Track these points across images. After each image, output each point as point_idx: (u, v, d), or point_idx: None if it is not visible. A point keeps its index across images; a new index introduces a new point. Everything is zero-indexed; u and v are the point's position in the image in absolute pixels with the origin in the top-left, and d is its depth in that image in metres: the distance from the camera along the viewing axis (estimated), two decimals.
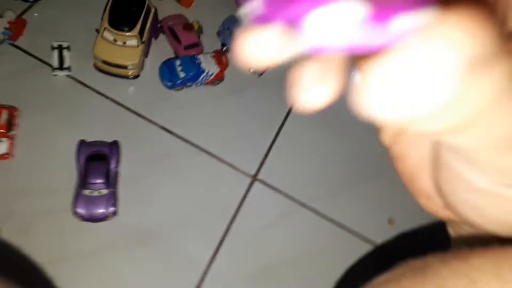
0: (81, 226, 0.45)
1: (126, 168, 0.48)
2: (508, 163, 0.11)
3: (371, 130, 0.58)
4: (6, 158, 0.45)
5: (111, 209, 0.45)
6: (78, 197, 0.44)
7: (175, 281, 0.45)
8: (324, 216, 0.53)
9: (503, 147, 0.10)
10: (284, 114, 0.58)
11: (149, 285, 0.44)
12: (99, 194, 0.45)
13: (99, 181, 0.45)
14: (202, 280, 0.46)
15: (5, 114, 0.45)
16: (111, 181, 0.46)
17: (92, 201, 0.44)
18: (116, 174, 0.47)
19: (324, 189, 0.55)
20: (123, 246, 0.45)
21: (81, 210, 0.44)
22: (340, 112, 0.61)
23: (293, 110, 0.58)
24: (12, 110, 0.47)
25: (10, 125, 0.46)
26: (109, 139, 0.49)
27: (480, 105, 0.09)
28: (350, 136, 0.59)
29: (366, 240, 0.53)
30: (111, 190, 0.45)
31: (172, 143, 0.51)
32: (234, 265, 0.47)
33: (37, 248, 0.43)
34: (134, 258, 0.45)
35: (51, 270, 0.43)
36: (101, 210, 0.44)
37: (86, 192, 0.44)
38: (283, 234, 0.51)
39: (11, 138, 0.46)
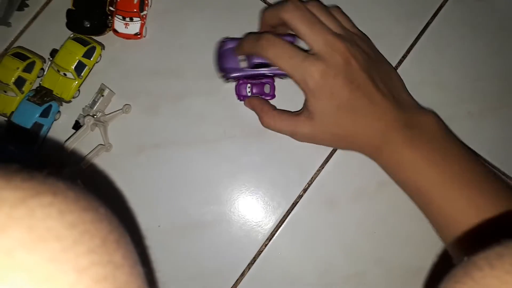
0: (200, 116, 0.46)
1: None
2: None
3: None
4: (138, 38, 0.47)
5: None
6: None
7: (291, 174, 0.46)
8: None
9: None
10: (433, 11, 0.49)
11: (260, 174, 0.46)
12: None
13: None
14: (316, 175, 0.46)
15: None
16: None
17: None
18: None
19: (464, 108, 0.47)
20: (241, 138, 0.46)
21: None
22: (506, 19, 0.49)
23: (445, 6, 0.48)
24: None
25: (142, 5, 0.46)
26: (235, 27, 0.47)
27: None
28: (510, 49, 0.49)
29: (504, 174, 0.47)
30: None
31: None
32: (344, 179, 0.46)
33: (162, 128, 0.46)
34: (248, 148, 0.46)
35: (171, 150, 0.46)
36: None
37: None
38: None
39: (142, 18, 0.46)
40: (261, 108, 0.43)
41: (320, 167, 0.46)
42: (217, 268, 0.45)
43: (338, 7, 0.44)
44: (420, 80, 0.47)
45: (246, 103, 0.45)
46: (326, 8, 0.41)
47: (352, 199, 0.45)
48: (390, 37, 0.48)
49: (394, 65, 0.47)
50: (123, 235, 0.20)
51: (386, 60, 0.45)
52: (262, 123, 0.43)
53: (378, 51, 0.45)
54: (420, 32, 0.48)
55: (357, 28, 0.44)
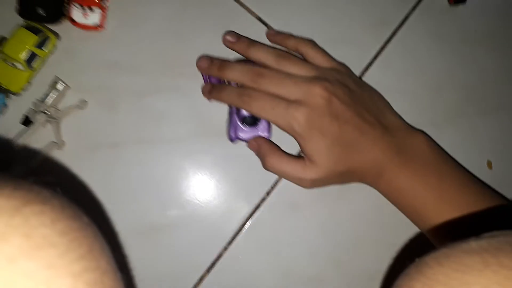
0: (162, 114, 0.44)
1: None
2: None
3: (499, 58, 0.48)
4: (98, 29, 0.44)
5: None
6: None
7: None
8: None
9: None
10: (400, 20, 0.49)
11: (223, 176, 0.45)
12: None
13: None
14: (279, 179, 0.45)
15: None
16: None
17: None
18: None
19: (427, 116, 0.48)
20: (204, 138, 0.45)
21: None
22: (469, 32, 0.51)
23: (412, 16, 0.49)
24: None
25: None
26: (204, 23, 0.45)
27: None
28: (474, 59, 0.50)
29: None
30: None
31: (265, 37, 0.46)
32: None
33: (120, 126, 0.44)
34: (211, 149, 0.44)
35: (130, 150, 0.44)
36: None
37: None
38: None
39: (103, 8, 0.44)
40: (268, 148, 0.41)
41: None
42: (175, 272, 0.43)
43: (309, 41, 0.43)
44: (386, 87, 0.48)
45: (250, 143, 0.42)
46: (293, 54, 0.40)
47: (314, 202, 0.45)
48: (358, 43, 0.48)
49: (360, 70, 0.48)
50: (103, 242, 0.21)
51: (366, 84, 0.45)
52: (265, 164, 0.41)
53: (357, 77, 0.44)
54: (387, 40, 0.48)
55: (333, 59, 0.43)
